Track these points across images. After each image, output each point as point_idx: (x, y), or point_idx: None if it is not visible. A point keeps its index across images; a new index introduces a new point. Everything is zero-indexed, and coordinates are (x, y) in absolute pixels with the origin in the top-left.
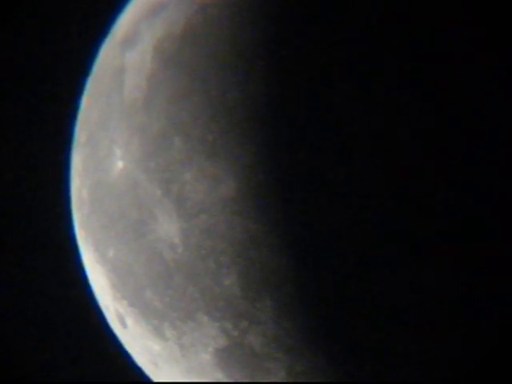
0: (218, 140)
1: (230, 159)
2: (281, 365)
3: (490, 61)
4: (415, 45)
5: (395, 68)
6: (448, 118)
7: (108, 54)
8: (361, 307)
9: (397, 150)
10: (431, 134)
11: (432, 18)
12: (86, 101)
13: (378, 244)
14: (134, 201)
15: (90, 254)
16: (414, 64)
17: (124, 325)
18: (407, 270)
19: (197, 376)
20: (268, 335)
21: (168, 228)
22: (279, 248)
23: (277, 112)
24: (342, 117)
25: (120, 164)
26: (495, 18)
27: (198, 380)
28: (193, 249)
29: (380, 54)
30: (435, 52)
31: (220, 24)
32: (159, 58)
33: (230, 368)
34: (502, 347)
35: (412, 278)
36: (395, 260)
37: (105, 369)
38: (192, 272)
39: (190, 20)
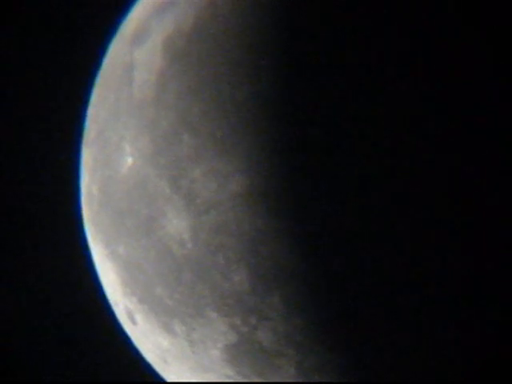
0: (228, 136)
1: (239, 155)
2: (290, 361)
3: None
4: (420, 46)
5: (401, 66)
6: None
7: (117, 50)
8: (369, 304)
9: (403, 150)
10: (434, 132)
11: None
12: (95, 97)
13: (387, 240)
14: (144, 197)
15: (100, 250)
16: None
17: (133, 321)
18: (413, 269)
19: (206, 372)
20: (277, 331)
21: (177, 224)
22: (288, 244)
23: (286, 108)
24: (352, 114)
25: (129, 160)
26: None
27: (207, 375)
28: (202, 245)
29: (388, 52)
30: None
31: (229, 20)
32: (168, 55)
33: (240, 364)
34: (503, 347)
35: (418, 275)
36: (402, 259)
37: (114, 365)
38: (201, 268)
39: (200, 16)
